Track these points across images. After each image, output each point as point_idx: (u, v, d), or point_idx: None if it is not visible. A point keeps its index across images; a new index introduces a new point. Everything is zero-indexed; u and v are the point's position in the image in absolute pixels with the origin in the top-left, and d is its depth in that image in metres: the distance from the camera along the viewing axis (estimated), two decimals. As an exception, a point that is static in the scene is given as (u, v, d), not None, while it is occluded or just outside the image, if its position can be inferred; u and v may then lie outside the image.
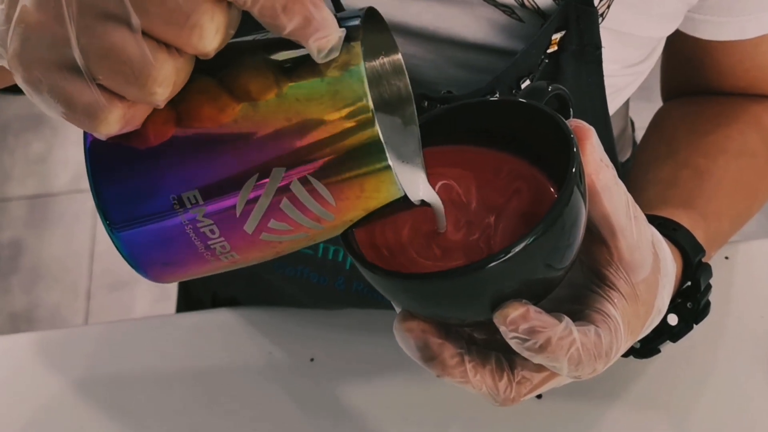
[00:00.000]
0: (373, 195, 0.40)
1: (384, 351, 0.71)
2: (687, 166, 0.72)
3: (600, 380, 0.55)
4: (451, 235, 0.47)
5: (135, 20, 0.35)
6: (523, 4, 0.62)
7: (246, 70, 0.39)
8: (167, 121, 0.39)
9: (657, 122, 0.81)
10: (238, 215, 0.40)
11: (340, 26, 0.38)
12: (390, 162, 0.39)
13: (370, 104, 0.38)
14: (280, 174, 0.39)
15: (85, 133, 0.41)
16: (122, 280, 1.93)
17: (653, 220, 0.62)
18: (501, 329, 0.44)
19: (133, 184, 0.40)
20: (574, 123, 0.46)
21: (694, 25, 0.70)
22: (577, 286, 0.50)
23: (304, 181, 0.39)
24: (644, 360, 0.65)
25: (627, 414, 0.69)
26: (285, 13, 0.36)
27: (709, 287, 0.63)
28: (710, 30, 0.70)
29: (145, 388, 0.73)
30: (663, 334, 0.63)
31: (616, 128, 0.85)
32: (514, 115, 0.48)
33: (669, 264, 0.55)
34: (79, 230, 2.05)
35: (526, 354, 0.45)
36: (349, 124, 0.38)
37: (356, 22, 0.39)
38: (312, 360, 0.74)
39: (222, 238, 0.41)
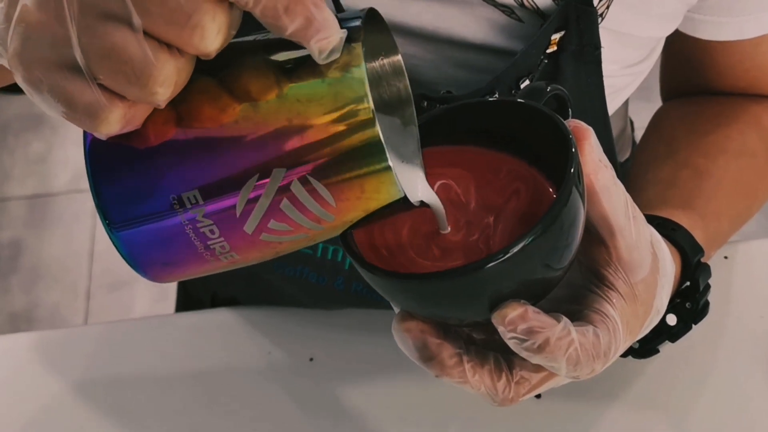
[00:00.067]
0: (373, 196, 0.40)
1: (383, 351, 0.71)
2: (686, 166, 0.72)
3: (599, 380, 0.55)
4: (450, 235, 0.47)
5: (136, 20, 0.35)
6: (522, 5, 0.62)
7: (247, 70, 0.39)
8: (167, 121, 0.39)
9: (656, 122, 0.81)
10: (238, 215, 0.40)
11: (341, 27, 0.38)
12: (390, 162, 0.39)
13: (371, 105, 0.38)
14: (281, 174, 0.39)
15: (84, 133, 0.41)
16: (122, 280, 1.93)
17: (652, 220, 0.62)
18: (499, 329, 0.44)
19: (132, 184, 0.40)
20: (573, 123, 0.46)
21: (693, 26, 0.70)
22: (576, 286, 0.50)
23: (304, 181, 0.39)
24: (643, 360, 0.65)
25: (626, 414, 0.69)
26: (287, 14, 0.36)
27: (708, 287, 0.63)
28: (710, 30, 0.70)
29: (145, 387, 0.73)
30: (662, 334, 0.63)
31: (615, 128, 0.85)
32: (513, 116, 0.48)
33: (668, 264, 0.55)
34: (79, 230, 2.05)
35: (524, 354, 0.45)
36: (350, 124, 0.38)
37: (357, 23, 0.39)
38: (311, 360, 0.74)
39: (222, 239, 0.41)
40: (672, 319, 0.63)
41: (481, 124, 0.49)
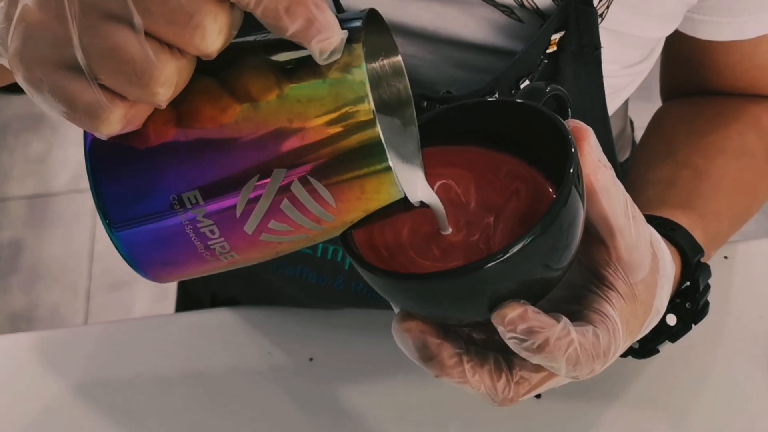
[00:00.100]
0: (374, 196, 0.40)
1: (383, 351, 0.71)
2: (686, 166, 0.72)
3: (599, 380, 0.55)
4: (450, 235, 0.47)
5: (138, 20, 0.35)
6: (522, 5, 0.62)
7: (247, 70, 0.39)
8: (168, 121, 0.39)
9: (656, 122, 0.81)
10: (238, 216, 0.40)
11: (342, 28, 0.38)
12: (390, 163, 0.39)
13: (372, 106, 0.38)
14: (281, 174, 0.39)
15: (85, 133, 0.41)
16: (122, 280, 1.93)
17: (652, 220, 0.62)
18: (499, 329, 0.44)
19: (133, 184, 0.40)
20: (572, 123, 0.46)
21: (693, 26, 0.70)
22: (576, 286, 0.50)
23: (304, 181, 0.39)
24: (643, 360, 0.65)
25: (626, 414, 0.69)
26: (288, 15, 0.36)
27: (707, 287, 0.63)
28: (709, 30, 0.70)
29: (145, 387, 0.73)
30: (662, 334, 0.63)
31: (615, 128, 0.85)
32: (513, 116, 0.48)
33: (668, 264, 0.55)
34: (79, 230, 2.05)
35: (524, 354, 0.45)
36: (351, 125, 0.38)
37: (358, 23, 0.39)
38: (311, 360, 0.74)
39: (222, 239, 0.41)
40: (672, 319, 0.63)
41: (481, 124, 0.49)
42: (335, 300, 0.76)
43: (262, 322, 0.77)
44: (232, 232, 0.41)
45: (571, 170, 0.43)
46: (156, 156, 0.40)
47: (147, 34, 0.35)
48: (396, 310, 0.48)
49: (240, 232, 0.41)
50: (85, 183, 2.03)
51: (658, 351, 0.64)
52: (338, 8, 0.62)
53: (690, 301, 0.63)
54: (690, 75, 0.78)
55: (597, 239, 0.49)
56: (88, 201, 2.04)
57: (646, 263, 0.51)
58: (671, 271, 0.56)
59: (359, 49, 0.38)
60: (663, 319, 0.62)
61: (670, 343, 0.63)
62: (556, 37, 0.62)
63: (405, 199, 0.41)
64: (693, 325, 0.63)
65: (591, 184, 0.46)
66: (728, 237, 0.73)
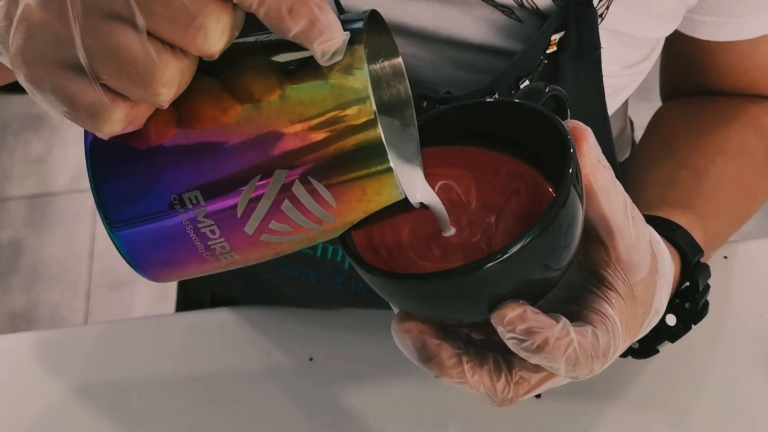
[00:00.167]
0: (374, 197, 0.40)
1: (383, 351, 0.71)
2: (686, 166, 0.72)
3: (599, 380, 0.55)
4: (450, 236, 0.47)
5: (140, 20, 0.35)
6: (522, 5, 0.62)
7: (249, 71, 0.39)
8: (169, 121, 0.39)
9: (656, 122, 0.81)
10: (239, 216, 0.40)
11: (344, 29, 0.38)
12: (391, 164, 0.39)
13: (373, 107, 0.38)
14: (282, 175, 0.39)
15: (85, 132, 0.41)
16: (122, 280, 1.93)
17: (651, 220, 0.62)
18: (498, 330, 0.44)
19: (133, 184, 0.40)
20: (571, 124, 0.47)
21: (693, 26, 0.70)
22: (575, 286, 0.50)
23: (305, 182, 0.39)
24: (643, 360, 0.65)
25: (625, 414, 0.69)
26: (290, 16, 0.36)
27: (707, 287, 0.63)
28: (709, 30, 0.70)
29: (145, 387, 0.73)
30: (661, 334, 0.63)
31: (615, 128, 0.85)
32: (512, 116, 0.48)
33: (667, 264, 0.55)
34: (79, 230, 2.05)
35: (523, 354, 0.45)
36: (352, 125, 0.38)
37: (360, 25, 0.39)
38: (311, 360, 0.74)
39: (222, 239, 0.41)
40: (671, 320, 0.63)
41: (481, 124, 0.49)
42: (335, 300, 0.76)
43: (262, 322, 0.77)
44: (232, 233, 0.41)
45: (570, 171, 0.43)
46: (157, 156, 0.40)
47: (149, 34, 0.35)
48: (395, 310, 0.48)
49: (240, 233, 0.41)
50: (85, 183, 2.03)
51: (657, 351, 0.64)
52: (339, 9, 0.62)
53: (690, 302, 0.63)
54: (690, 75, 0.78)
55: (596, 239, 0.49)
56: (88, 201, 2.04)
57: (646, 263, 0.51)
58: (671, 272, 0.56)
59: (361, 50, 0.38)
60: (663, 319, 0.62)
61: (669, 343, 0.64)
62: (555, 37, 0.62)
63: (405, 200, 0.41)
64: (693, 326, 0.63)
65: (590, 185, 0.46)
66: (728, 237, 0.73)
